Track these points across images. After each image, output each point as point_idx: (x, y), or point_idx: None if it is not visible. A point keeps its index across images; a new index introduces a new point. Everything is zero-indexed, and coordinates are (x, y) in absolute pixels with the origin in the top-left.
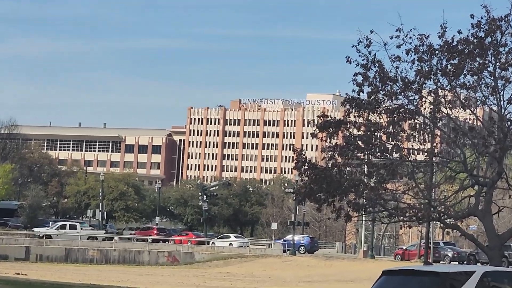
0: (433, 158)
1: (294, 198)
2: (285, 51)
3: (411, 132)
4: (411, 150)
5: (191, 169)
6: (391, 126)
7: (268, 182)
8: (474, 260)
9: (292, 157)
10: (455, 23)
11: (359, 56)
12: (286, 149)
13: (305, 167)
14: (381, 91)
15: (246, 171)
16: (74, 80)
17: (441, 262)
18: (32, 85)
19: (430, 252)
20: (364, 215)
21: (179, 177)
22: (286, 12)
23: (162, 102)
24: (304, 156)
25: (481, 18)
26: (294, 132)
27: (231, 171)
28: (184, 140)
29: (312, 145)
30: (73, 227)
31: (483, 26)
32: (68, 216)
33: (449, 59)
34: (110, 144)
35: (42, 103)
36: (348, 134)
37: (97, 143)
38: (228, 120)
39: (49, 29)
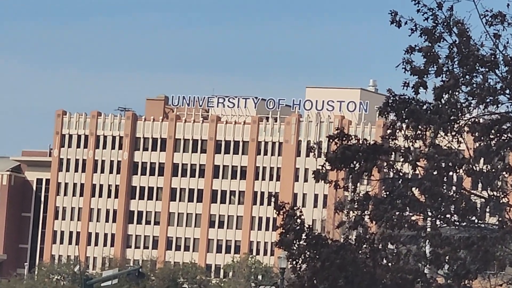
0: None
1: None
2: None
3: None
4: None
5: (61, 242)
6: (482, 160)
7: (223, 272)
8: None
9: (275, 219)
10: None
11: (418, 11)
12: (261, 203)
13: (302, 242)
14: (463, 86)
15: (178, 248)
16: None
17: None
18: None
19: None
20: None
21: (36, 259)
22: None
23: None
24: (299, 219)
25: None
26: (279, 168)
27: (146, 247)
28: (47, 181)
29: (316, 196)
30: None
31: None
32: None
33: None
34: None
35: None
36: (392, 174)
37: None
38: (142, 139)
39: None
